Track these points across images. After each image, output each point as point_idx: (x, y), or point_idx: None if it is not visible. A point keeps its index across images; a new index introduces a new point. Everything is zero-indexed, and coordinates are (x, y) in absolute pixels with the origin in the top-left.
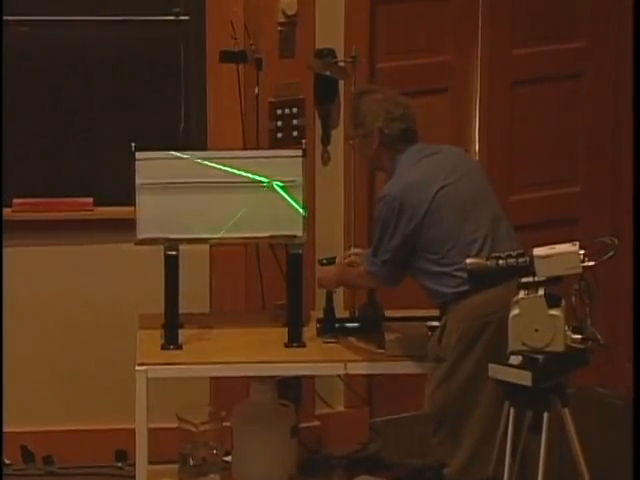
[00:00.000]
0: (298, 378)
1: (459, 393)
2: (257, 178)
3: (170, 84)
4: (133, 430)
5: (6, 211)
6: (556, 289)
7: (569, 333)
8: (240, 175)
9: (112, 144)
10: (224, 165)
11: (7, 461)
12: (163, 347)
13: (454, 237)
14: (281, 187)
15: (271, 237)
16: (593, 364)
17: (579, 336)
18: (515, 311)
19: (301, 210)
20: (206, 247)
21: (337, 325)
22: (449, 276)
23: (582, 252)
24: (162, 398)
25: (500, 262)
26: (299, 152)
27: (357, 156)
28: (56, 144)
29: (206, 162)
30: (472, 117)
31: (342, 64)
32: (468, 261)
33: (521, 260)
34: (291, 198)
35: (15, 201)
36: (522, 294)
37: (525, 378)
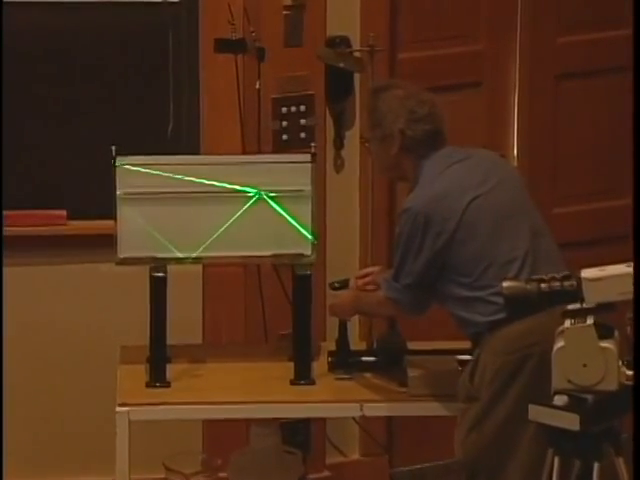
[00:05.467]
0: (306, 421)
1: (495, 438)
2: (241, 189)
3: (157, 77)
4: None
5: None
6: (608, 317)
7: (623, 369)
8: (235, 184)
9: (89, 148)
10: (214, 180)
11: None
12: (148, 384)
13: (489, 256)
14: (276, 198)
15: (274, 256)
16: None
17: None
18: (560, 343)
19: (305, 232)
20: (199, 268)
21: (352, 359)
22: (483, 302)
23: None
24: (147, 444)
25: (542, 286)
26: (307, 157)
27: (375, 162)
28: (23, 148)
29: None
30: (510, 116)
31: (358, 54)
32: (505, 284)
33: (567, 283)
34: (298, 210)
35: None
36: (568, 323)
37: (572, 422)
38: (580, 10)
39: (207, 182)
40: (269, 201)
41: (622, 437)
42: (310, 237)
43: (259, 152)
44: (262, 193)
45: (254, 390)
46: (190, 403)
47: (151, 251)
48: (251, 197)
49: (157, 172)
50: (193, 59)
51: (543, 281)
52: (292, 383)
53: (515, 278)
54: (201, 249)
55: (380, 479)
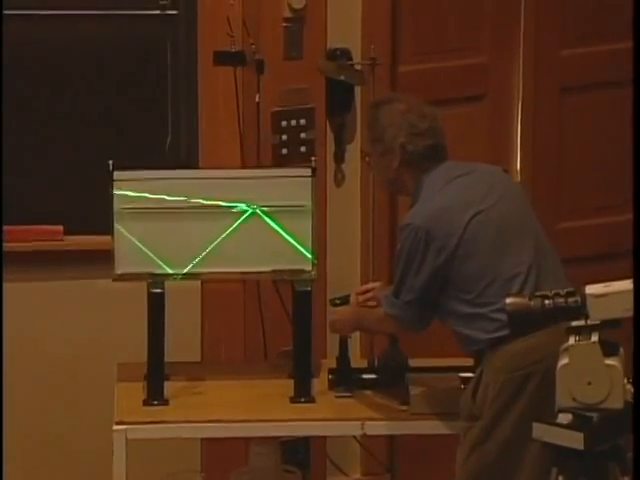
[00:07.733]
0: (306, 439)
1: (497, 457)
2: (237, 205)
3: (156, 90)
4: None
5: None
6: (613, 334)
7: (629, 387)
8: (233, 199)
9: (86, 162)
10: (212, 194)
11: None
12: (145, 402)
13: (491, 272)
14: (275, 213)
15: (274, 272)
16: None
17: None
18: (564, 360)
19: (304, 249)
20: (197, 284)
21: (352, 377)
22: (485, 319)
23: None
24: (144, 463)
25: (546, 302)
26: (308, 171)
27: (376, 176)
28: (19, 163)
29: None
30: (513, 130)
31: (359, 67)
32: (508, 301)
33: (571, 300)
34: (298, 226)
35: None
36: (572, 340)
37: (576, 440)
38: (584, 23)
39: (205, 202)
40: (263, 217)
41: (628, 456)
42: (309, 255)
43: (258, 166)
44: (255, 208)
45: (253, 408)
46: (188, 421)
47: (149, 267)
48: (248, 212)
49: (153, 195)
50: (192, 71)
51: (547, 297)
52: (292, 401)
53: (518, 294)
54: (192, 265)
55: None
